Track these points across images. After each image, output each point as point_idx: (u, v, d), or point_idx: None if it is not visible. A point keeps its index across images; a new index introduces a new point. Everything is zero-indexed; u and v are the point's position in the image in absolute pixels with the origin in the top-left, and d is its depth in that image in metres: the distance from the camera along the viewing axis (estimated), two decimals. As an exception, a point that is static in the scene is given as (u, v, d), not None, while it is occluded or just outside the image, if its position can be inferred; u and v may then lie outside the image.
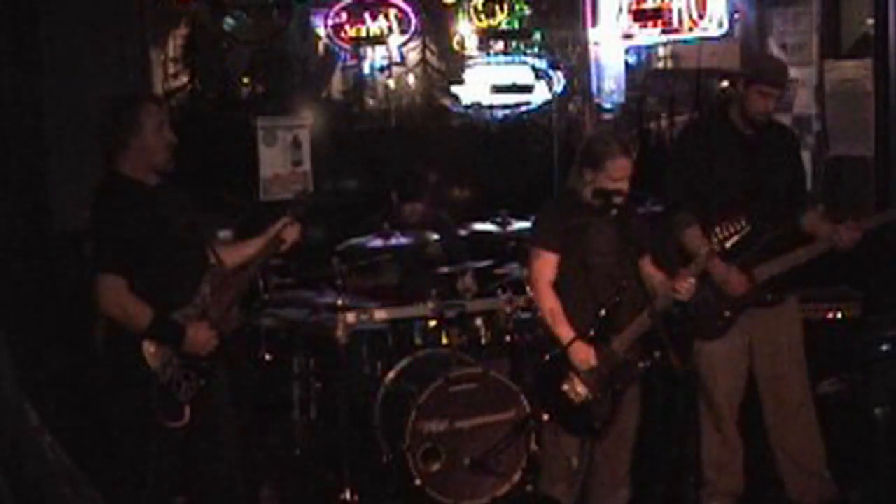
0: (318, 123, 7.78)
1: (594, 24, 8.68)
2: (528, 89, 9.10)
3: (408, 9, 9.15)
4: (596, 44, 8.75)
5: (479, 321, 5.65)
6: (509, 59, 9.25)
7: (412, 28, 9.16)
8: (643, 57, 9.04)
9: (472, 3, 9.24)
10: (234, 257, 4.35)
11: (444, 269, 5.93)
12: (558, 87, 9.01)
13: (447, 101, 9.23)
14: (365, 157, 8.63)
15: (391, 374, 5.41)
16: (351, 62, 9.35)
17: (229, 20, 8.91)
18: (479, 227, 6.37)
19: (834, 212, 5.21)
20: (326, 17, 9.16)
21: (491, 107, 9.18)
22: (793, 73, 5.38)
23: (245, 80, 9.08)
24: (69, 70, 6.10)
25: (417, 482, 4.99)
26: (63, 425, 3.13)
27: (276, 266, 5.85)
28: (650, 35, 8.35)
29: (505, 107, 9.18)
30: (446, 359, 5.38)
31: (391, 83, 9.29)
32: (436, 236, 6.10)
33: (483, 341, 5.62)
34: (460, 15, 9.30)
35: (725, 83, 8.17)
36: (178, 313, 4.04)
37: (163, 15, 8.50)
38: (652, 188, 5.38)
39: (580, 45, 8.90)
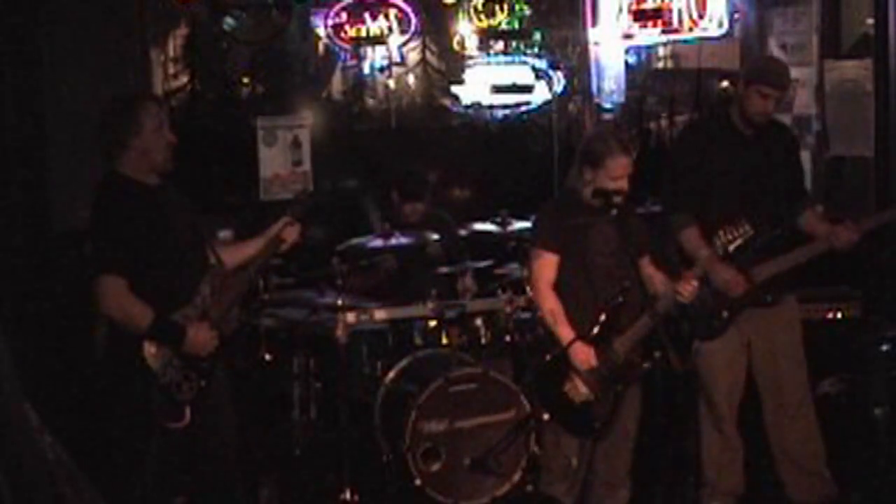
0: (318, 123, 7.77)
1: (594, 24, 8.67)
2: (528, 89, 9.08)
3: (408, 9, 9.14)
4: (596, 44, 8.73)
5: (479, 321, 5.65)
6: (509, 59, 9.23)
7: (412, 28, 9.15)
8: (643, 57, 9.03)
9: (472, 3, 9.22)
10: (235, 257, 4.35)
11: (444, 269, 5.93)
12: (558, 87, 9.00)
13: (447, 101, 9.22)
14: (365, 157, 8.62)
15: (391, 374, 5.41)
16: (351, 62, 9.33)
17: (229, 20, 8.90)
18: (479, 227, 6.37)
19: (834, 212, 5.21)
20: (326, 17, 9.15)
21: (491, 107, 9.17)
22: (793, 73, 5.36)
23: (245, 80, 9.07)
24: (69, 70, 6.11)
25: (417, 482, 4.99)
26: (63, 425, 3.13)
27: (276, 266, 5.85)
28: (650, 35, 8.34)
29: (505, 107, 9.16)
30: (446, 359, 5.38)
31: (391, 83, 9.28)
32: (436, 236, 6.10)
33: (483, 341, 5.62)
34: (460, 15, 9.28)
35: (725, 83, 8.18)
36: (179, 314, 4.04)
37: (163, 15, 8.50)
38: (651, 188, 5.39)
39: (580, 45, 8.89)
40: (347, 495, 5.25)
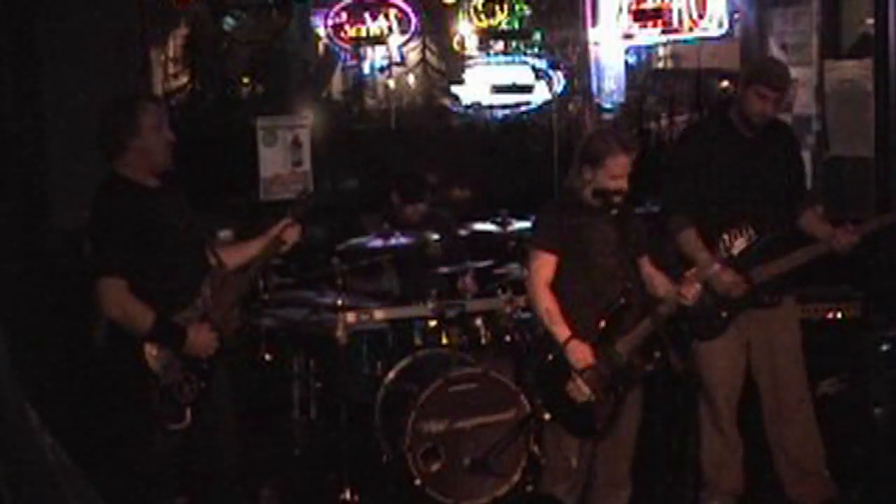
0: (318, 123, 7.78)
1: (594, 24, 8.67)
2: (528, 89, 9.09)
3: (408, 9, 9.15)
4: (596, 44, 8.74)
5: (479, 321, 5.65)
6: (509, 59, 9.24)
7: (412, 28, 9.16)
8: (643, 57, 9.03)
9: (472, 3, 9.23)
10: (235, 258, 4.34)
11: (444, 269, 5.93)
12: (558, 87, 9.00)
13: (447, 101, 9.23)
14: (365, 157, 8.63)
15: (391, 374, 5.41)
16: (351, 62, 9.33)
17: (229, 20, 8.90)
18: (479, 227, 6.37)
19: (833, 212, 5.20)
20: (326, 17, 9.15)
21: (491, 107, 9.18)
22: (793, 73, 5.36)
23: (245, 80, 9.08)
24: (69, 70, 6.11)
25: (417, 482, 4.99)
26: (63, 425, 3.13)
27: (277, 266, 5.85)
28: (650, 35, 8.34)
29: (505, 107, 9.17)
30: (446, 359, 5.38)
31: (391, 83, 9.29)
32: (436, 236, 6.10)
33: (483, 341, 5.62)
34: (460, 15, 9.29)
35: (725, 83, 8.18)
36: (179, 315, 4.03)
37: (163, 15, 8.51)
38: (651, 188, 5.38)
39: (580, 45, 8.89)
40: (347, 495, 5.25)
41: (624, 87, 8.88)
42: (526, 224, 5.91)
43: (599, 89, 8.85)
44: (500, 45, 9.31)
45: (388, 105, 9.24)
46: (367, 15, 9.14)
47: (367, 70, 9.29)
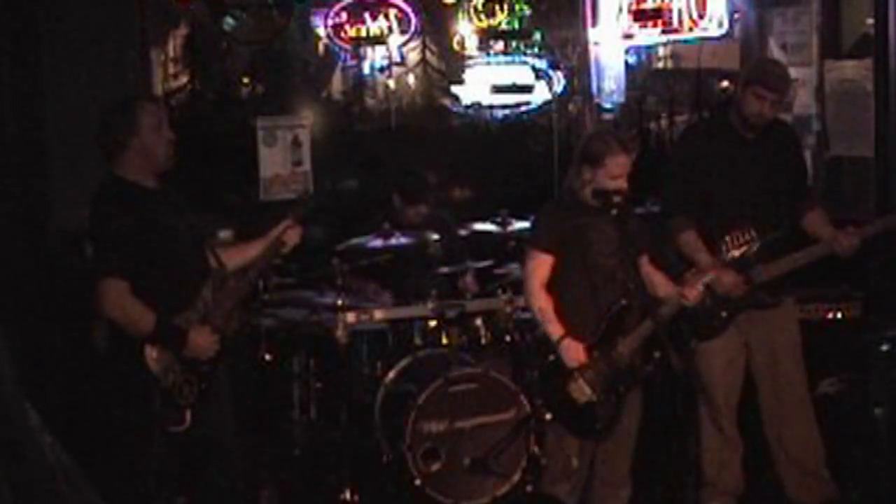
0: (318, 123, 7.77)
1: (594, 24, 8.66)
2: (528, 89, 9.09)
3: (408, 9, 9.14)
4: (596, 44, 8.73)
5: (479, 321, 5.65)
6: (509, 59, 9.23)
7: (412, 28, 9.15)
8: (643, 57, 9.02)
9: (472, 3, 9.22)
10: (236, 259, 4.34)
11: (445, 270, 5.93)
12: (558, 87, 9.00)
13: (447, 101, 9.22)
14: (365, 157, 8.62)
15: (391, 374, 5.41)
16: (351, 62, 9.33)
17: (229, 20, 8.90)
18: (479, 227, 6.37)
19: (834, 212, 5.20)
20: (326, 17, 9.15)
21: (491, 107, 9.17)
22: (793, 73, 5.36)
23: (245, 80, 9.08)
24: (69, 70, 6.11)
25: (417, 482, 4.99)
26: (63, 425, 3.13)
27: (277, 266, 5.84)
28: (650, 35, 8.33)
29: (505, 107, 9.17)
30: (446, 359, 5.38)
31: (391, 83, 9.28)
32: (436, 236, 6.10)
33: (483, 341, 5.62)
34: (460, 15, 9.28)
35: (725, 83, 8.17)
36: (180, 317, 4.03)
37: (163, 15, 8.50)
38: (651, 189, 5.38)
39: (580, 45, 8.89)
40: (347, 495, 5.25)
41: (624, 87, 8.87)
42: (526, 224, 5.91)
43: (599, 89, 8.85)
44: (500, 45, 9.30)
45: (388, 105, 9.23)
46: (367, 15, 9.13)
47: (367, 70, 9.28)
